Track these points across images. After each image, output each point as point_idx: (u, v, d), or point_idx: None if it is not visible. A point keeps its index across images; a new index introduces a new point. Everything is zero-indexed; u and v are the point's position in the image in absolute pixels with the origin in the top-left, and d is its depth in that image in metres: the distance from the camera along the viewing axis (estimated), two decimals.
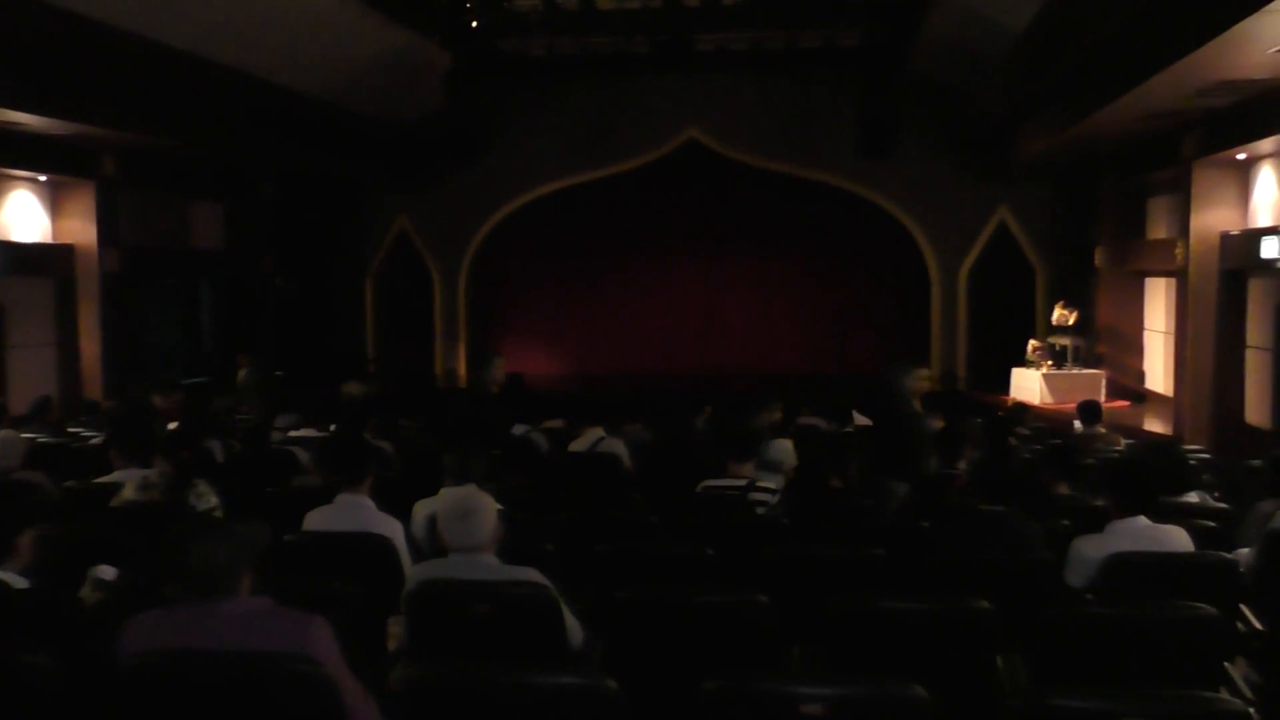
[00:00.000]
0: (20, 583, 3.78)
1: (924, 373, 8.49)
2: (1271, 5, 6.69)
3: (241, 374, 13.50)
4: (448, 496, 4.40)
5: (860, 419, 9.94)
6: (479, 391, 8.57)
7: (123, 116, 11.35)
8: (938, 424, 8.31)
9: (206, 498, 5.68)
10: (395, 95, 15.75)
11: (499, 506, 4.11)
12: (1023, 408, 12.50)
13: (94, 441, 8.53)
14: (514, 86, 17.22)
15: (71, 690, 3.15)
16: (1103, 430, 9.19)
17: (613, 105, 17.40)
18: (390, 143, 17.19)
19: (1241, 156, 11.08)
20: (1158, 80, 9.12)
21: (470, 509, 4.04)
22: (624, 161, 17.72)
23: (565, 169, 17.86)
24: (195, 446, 6.56)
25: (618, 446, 7.99)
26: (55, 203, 12.79)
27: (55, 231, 12.79)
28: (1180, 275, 12.01)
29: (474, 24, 13.13)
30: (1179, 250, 11.89)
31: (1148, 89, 9.49)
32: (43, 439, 8.76)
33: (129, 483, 5.76)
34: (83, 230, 12.77)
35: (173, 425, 8.45)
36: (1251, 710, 2.87)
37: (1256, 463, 7.11)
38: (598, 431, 8.19)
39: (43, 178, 12.43)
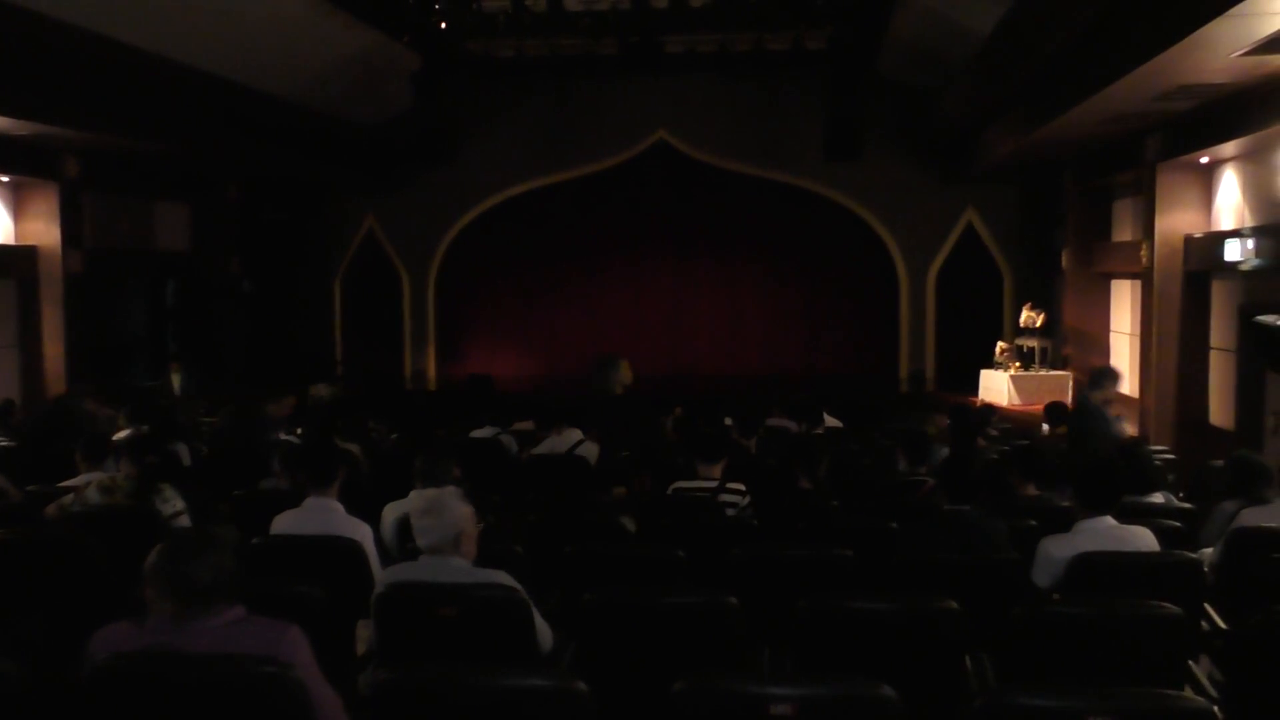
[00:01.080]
0: None
1: (1118, 381, 8.45)
2: (1232, 10, 6.77)
3: (176, 380, 13.24)
4: (420, 495, 4.38)
5: (831, 420, 9.98)
6: (604, 393, 8.56)
7: (86, 117, 11.23)
8: (1128, 431, 8.27)
9: (172, 501, 5.65)
10: (363, 96, 15.69)
11: (471, 508, 4.10)
12: (990, 409, 12.59)
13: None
14: (482, 88, 17.20)
15: (37, 697, 3.12)
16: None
17: (581, 107, 17.40)
18: (358, 143, 17.13)
19: (1204, 160, 11.19)
20: (1119, 85, 9.21)
21: (440, 506, 4.02)
22: (593, 163, 17.74)
23: (534, 170, 17.84)
24: (161, 450, 6.51)
25: (592, 449, 7.99)
26: (17, 204, 12.64)
27: (18, 233, 12.64)
28: (1145, 277, 12.12)
29: (442, 25, 13.09)
30: (1143, 252, 12.01)
31: (1109, 93, 9.59)
32: (3, 442, 8.68)
33: (91, 485, 5.73)
34: (46, 231, 12.62)
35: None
36: (1215, 708, 2.91)
37: (1219, 463, 7.20)
38: (575, 433, 8.17)
39: (5, 179, 12.29)
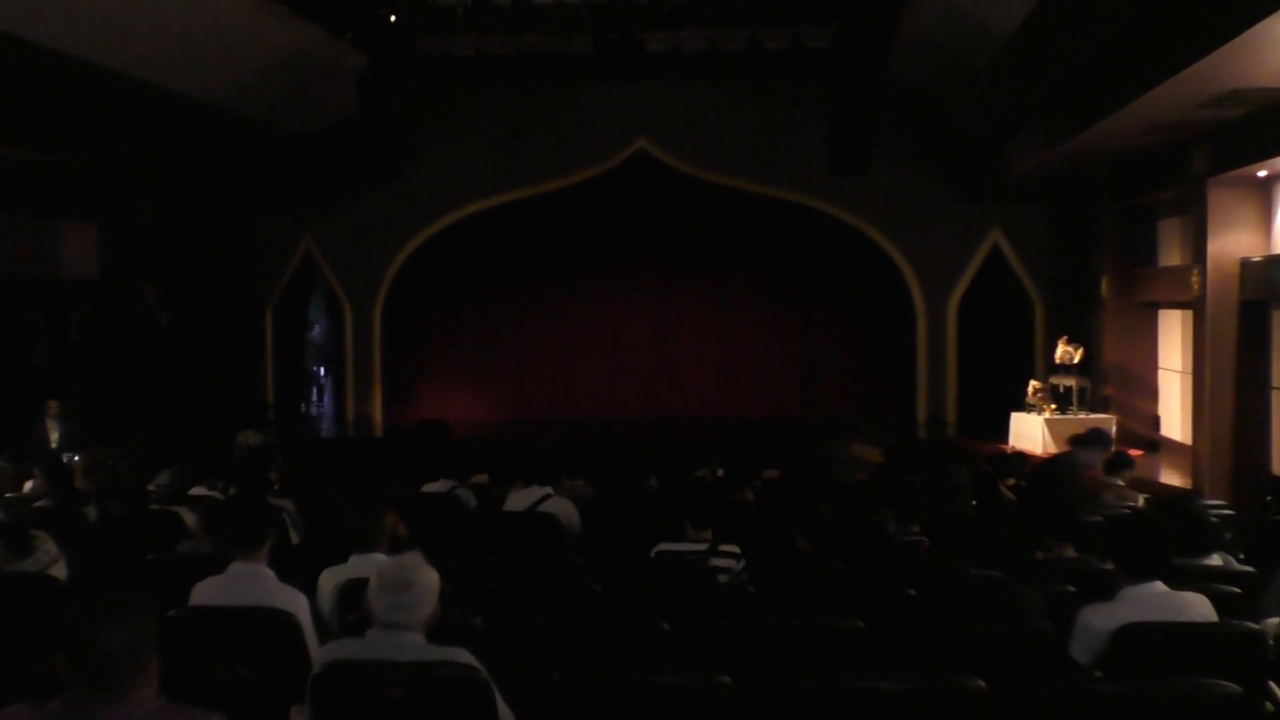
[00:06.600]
0: None
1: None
2: None
3: (54, 427, 12.87)
4: (387, 563, 4.33)
5: None
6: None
7: None
8: None
9: (45, 547, 5.63)
10: (300, 100, 15.73)
11: (437, 573, 4.08)
12: (1022, 457, 12.59)
13: None
14: (438, 91, 17.26)
15: None
16: (1120, 483, 9.13)
17: (551, 113, 17.49)
18: (294, 154, 17.15)
19: (1262, 174, 11.30)
20: (1161, 90, 9.29)
21: (412, 581, 3.98)
22: (564, 176, 17.79)
23: (496, 185, 17.89)
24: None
25: (564, 506, 7.94)
26: None
27: None
28: (1196, 307, 12.20)
29: (391, 18, 13.14)
30: (1194, 279, 12.09)
31: (1150, 99, 9.68)
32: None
33: None
34: None
35: None
36: None
37: None
38: (543, 488, 8.14)
39: None
